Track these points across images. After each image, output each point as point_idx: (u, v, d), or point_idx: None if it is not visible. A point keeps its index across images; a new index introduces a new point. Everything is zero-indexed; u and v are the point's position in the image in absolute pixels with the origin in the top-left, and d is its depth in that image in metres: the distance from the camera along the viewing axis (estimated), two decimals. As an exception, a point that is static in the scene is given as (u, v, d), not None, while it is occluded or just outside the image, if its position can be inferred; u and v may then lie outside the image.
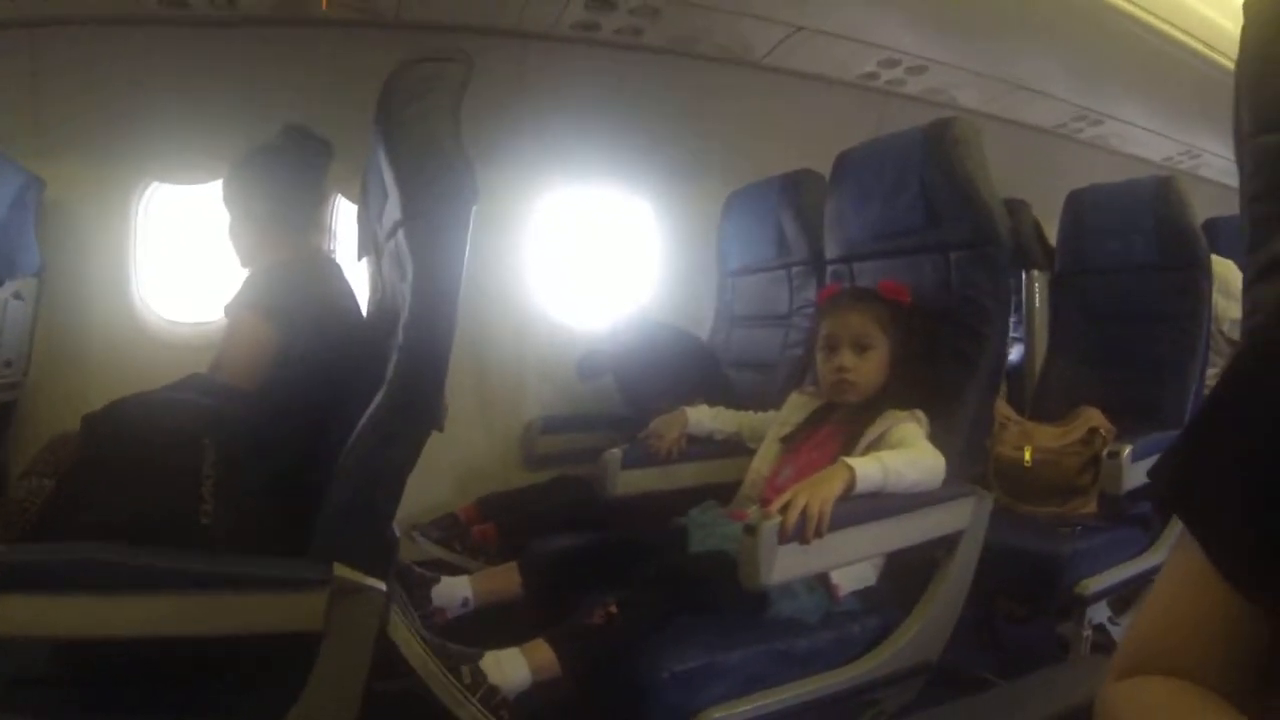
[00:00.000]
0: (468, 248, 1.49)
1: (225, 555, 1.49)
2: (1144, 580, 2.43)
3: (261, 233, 2.17)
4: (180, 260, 3.05)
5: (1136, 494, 2.39)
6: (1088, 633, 2.35)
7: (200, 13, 2.68)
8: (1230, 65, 0.94)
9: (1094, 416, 2.61)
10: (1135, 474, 2.35)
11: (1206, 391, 2.62)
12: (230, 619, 1.39)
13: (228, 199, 2.21)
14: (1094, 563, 2.38)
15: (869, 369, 2.02)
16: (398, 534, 1.73)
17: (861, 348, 2.02)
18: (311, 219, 2.23)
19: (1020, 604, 2.65)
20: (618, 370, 3.04)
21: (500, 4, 2.82)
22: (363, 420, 1.53)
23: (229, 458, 1.64)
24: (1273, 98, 0.89)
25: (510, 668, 1.67)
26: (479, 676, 1.64)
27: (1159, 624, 0.64)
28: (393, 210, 1.56)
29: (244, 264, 2.29)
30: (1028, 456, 2.60)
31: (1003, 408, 2.77)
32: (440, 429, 1.56)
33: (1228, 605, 0.57)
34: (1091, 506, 2.57)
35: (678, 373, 2.85)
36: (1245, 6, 0.91)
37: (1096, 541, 2.45)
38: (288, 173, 2.18)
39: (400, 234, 1.51)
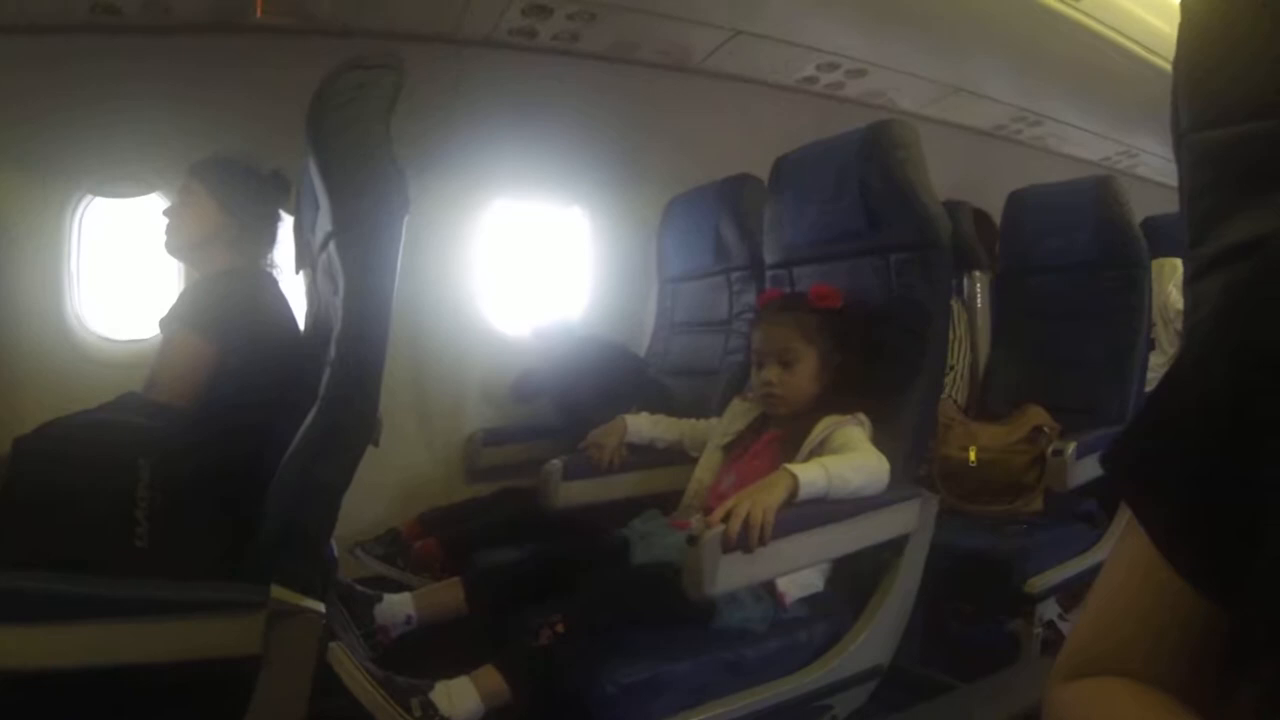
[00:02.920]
0: (400, 259, 1.47)
1: (160, 579, 1.45)
2: (1091, 576, 2.42)
3: (219, 231, 2.15)
4: (115, 275, 2.99)
5: (1082, 491, 2.42)
6: (1038, 630, 2.36)
7: (133, 20, 2.62)
8: (1166, 67, 0.94)
9: (1038, 414, 2.64)
10: (1080, 471, 2.37)
11: (1148, 388, 2.65)
12: (167, 645, 1.36)
13: (204, 177, 2.19)
14: (1042, 560, 2.40)
15: (796, 382, 2.01)
16: (336, 552, 1.70)
17: (786, 363, 2.02)
18: (264, 238, 2.22)
19: (970, 603, 2.67)
20: (551, 390, 3.03)
21: (437, 10, 2.79)
22: (297, 437, 1.50)
23: (164, 479, 1.61)
24: (1210, 94, 0.89)
25: (461, 698, 1.64)
26: (429, 710, 1.61)
27: (1104, 619, 0.63)
28: (324, 221, 1.54)
29: (177, 253, 2.25)
30: (973, 456, 2.62)
31: (948, 408, 2.79)
32: (376, 444, 1.54)
33: (1173, 595, 0.57)
34: (1038, 504, 2.59)
35: (608, 384, 2.84)
36: (1181, 5, 0.91)
37: (1043, 539, 2.47)
38: (266, 190, 2.21)
39: (332, 245, 1.49)
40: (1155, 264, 2.90)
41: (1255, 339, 0.56)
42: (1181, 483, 0.58)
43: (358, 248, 1.43)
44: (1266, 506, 0.51)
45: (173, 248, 2.23)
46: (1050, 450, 2.42)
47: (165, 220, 2.22)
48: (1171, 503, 0.59)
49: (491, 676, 1.67)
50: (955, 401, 2.91)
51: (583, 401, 2.85)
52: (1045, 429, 2.60)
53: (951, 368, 2.93)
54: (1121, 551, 0.62)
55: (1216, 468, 0.55)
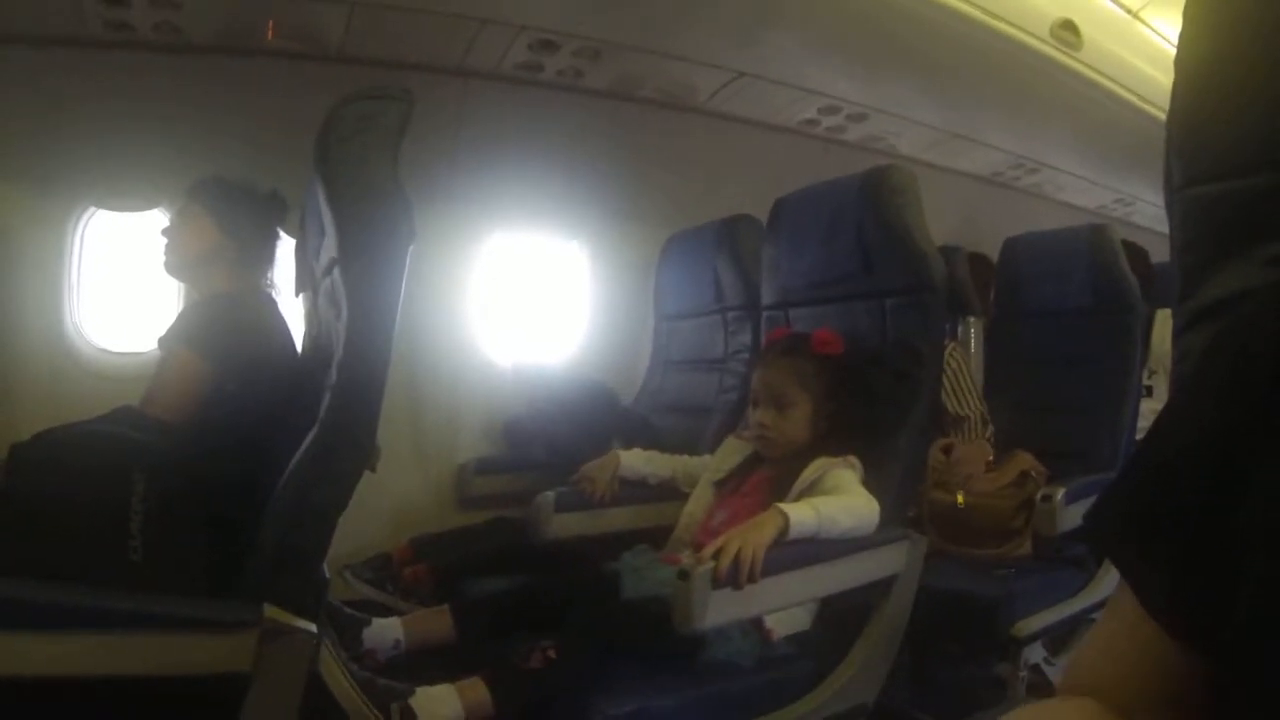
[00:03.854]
0: (404, 288, 1.48)
1: (153, 593, 1.46)
2: (1079, 621, 2.46)
3: (217, 251, 2.17)
4: (116, 289, 3.00)
5: (1071, 536, 2.43)
6: (1024, 673, 2.36)
7: (144, 37, 2.65)
8: (1161, 116, 0.96)
9: (1024, 460, 2.64)
10: (1069, 517, 2.37)
11: (1140, 434, 2.67)
12: (157, 659, 1.35)
13: (203, 198, 2.21)
14: (1029, 604, 2.40)
15: (789, 427, 2.03)
16: (328, 574, 1.70)
17: (782, 406, 2.03)
18: (263, 259, 2.23)
19: (957, 645, 2.67)
20: (536, 432, 3.05)
21: (445, 42, 2.83)
22: (294, 459, 1.51)
23: (159, 493, 1.61)
24: (1201, 151, 0.90)
25: (443, 704, 1.65)
26: (408, 715, 1.62)
27: (1093, 662, 0.64)
28: (329, 248, 1.55)
29: (176, 273, 2.27)
30: (960, 499, 2.62)
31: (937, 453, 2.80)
32: (373, 469, 1.54)
33: (1158, 647, 0.58)
34: (1027, 548, 2.60)
35: (586, 421, 2.86)
36: (1176, 62, 0.93)
37: (1032, 583, 2.47)
38: (266, 211, 2.22)
39: (336, 271, 1.50)
40: (1160, 314, 2.93)
41: (1231, 396, 0.57)
42: (1162, 541, 0.59)
43: (363, 276, 1.44)
44: (1244, 561, 0.53)
45: (172, 267, 2.24)
46: (1039, 496, 2.42)
47: (164, 240, 2.24)
48: (1153, 561, 0.60)
49: (477, 688, 1.68)
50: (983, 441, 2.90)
51: (564, 439, 2.86)
52: (1032, 473, 2.61)
53: (965, 417, 2.93)
54: (1117, 601, 0.63)
55: (1197, 525, 0.56)
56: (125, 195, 2.85)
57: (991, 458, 2.77)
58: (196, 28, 2.64)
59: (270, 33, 2.69)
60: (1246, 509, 0.54)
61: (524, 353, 3.34)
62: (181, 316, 2.14)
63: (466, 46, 2.85)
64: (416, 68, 2.94)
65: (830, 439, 2.00)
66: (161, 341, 2.05)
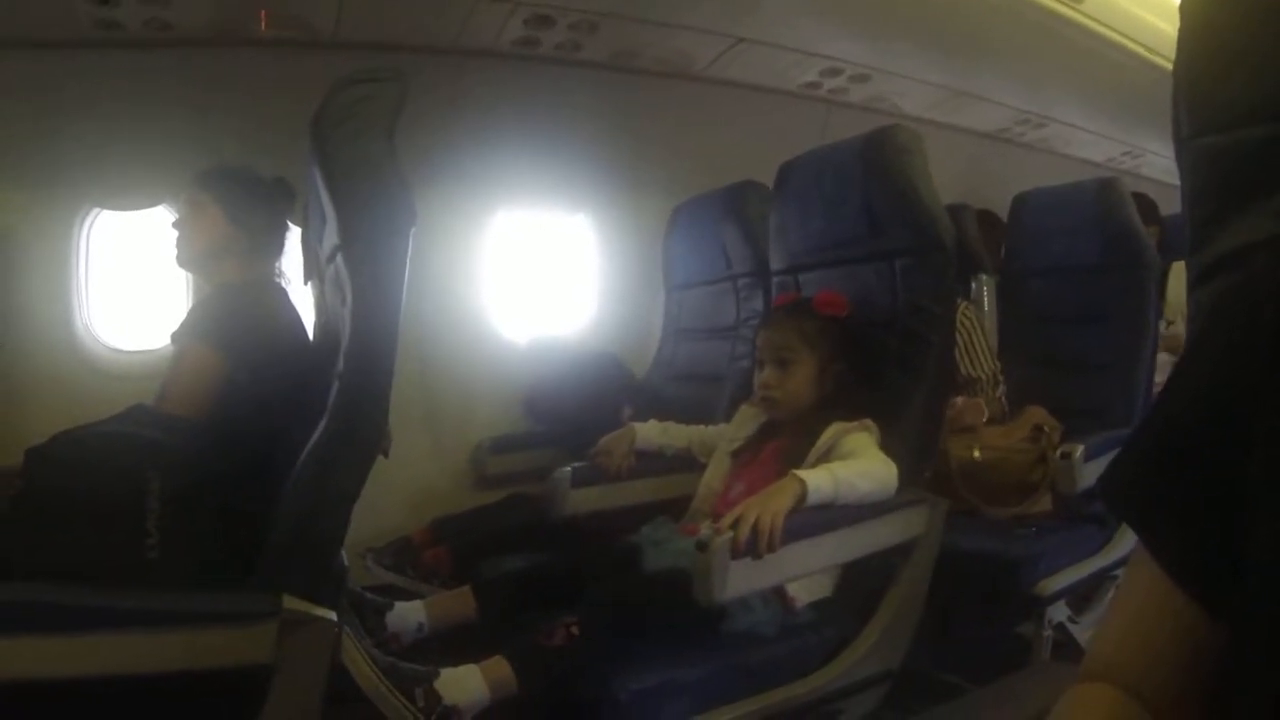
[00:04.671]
0: (407, 271, 1.47)
1: (172, 590, 1.46)
2: (1102, 578, 2.45)
3: (225, 242, 2.17)
4: (124, 287, 3.00)
5: (1091, 493, 2.41)
6: (1048, 633, 2.36)
7: (136, 34, 2.64)
8: (1168, 67, 0.94)
9: (1037, 414, 2.64)
10: (1088, 474, 2.36)
11: (1156, 389, 2.65)
12: (179, 655, 1.36)
13: (209, 188, 2.19)
14: (1051, 562, 2.39)
15: (792, 385, 2.02)
16: (346, 561, 1.70)
17: (782, 364, 2.02)
18: (272, 247, 2.22)
19: (980, 606, 2.67)
20: (550, 405, 3.06)
21: (439, 22, 2.81)
22: (306, 449, 1.51)
23: (174, 490, 1.61)
24: (1209, 100, 0.89)
25: (466, 685, 1.66)
26: (432, 699, 1.62)
27: (1117, 639, 0.64)
28: (331, 234, 1.55)
29: (187, 265, 2.27)
30: (976, 453, 2.61)
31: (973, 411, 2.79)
32: (385, 455, 1.54)
33: (1184, 616, 0.58)
34: (1047, 504, 2.60)
35: (597, 393, 2.89)
36: (1181, 10, 0.92)
37: (1053, 541, 2.46)
38: (271, 199, 2.21)
39: (339, 258, 1.49)
40: (1175, 266, 2.91)
41: (1237, 352, 0.57)
42: (1174, 499, 0.59)
43: (365, 261, 1.43)
44: (1253, 516, 0.52)
45: (183, 260, 2.24)
46: (1059, 454, 2.41)
47: (174, 233, 2.23)
48: (1165, 519, 0.60)
49: (500, 667, 1.69)
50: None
51: (576, 411, 2.89)
52: (1045, 427, 2.60)
53: (977, 378, 2.92)
54: (1135, 571, 0.63)
55: (1207, 481, 0.56)
56: (128, 193, 2.85)
57: (985, 417, 2.76)
58: (187, 22, 2.63)
59: (263, 23, 2.68)
60: (1253, 463, 0.53)
61: (537, 328, 3.34)
62: (193, 310, 2.14)
63: (461, 25, 2.83)
64: (412, 49, 2.93)
65: (842, 402, 1.99)
66: (174, 337, 2.05)
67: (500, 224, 3.37)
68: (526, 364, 3.24)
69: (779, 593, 1.82)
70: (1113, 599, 0.66)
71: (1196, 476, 0.57)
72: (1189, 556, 0.58)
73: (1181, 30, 0.91)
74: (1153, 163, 4.58)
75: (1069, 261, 2.88)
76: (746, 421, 2.18)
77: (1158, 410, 0.64)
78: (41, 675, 1.30)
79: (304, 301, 2.20)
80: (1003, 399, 2.90)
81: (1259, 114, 0.84)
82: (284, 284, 2.24)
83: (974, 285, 3.47)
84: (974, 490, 2.62)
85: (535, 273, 3.64)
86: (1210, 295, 0.87)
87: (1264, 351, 0.55)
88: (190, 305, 2.37)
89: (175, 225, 2.24)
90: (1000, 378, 2.95)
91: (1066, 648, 2.36)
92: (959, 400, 2.72)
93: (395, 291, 1.46)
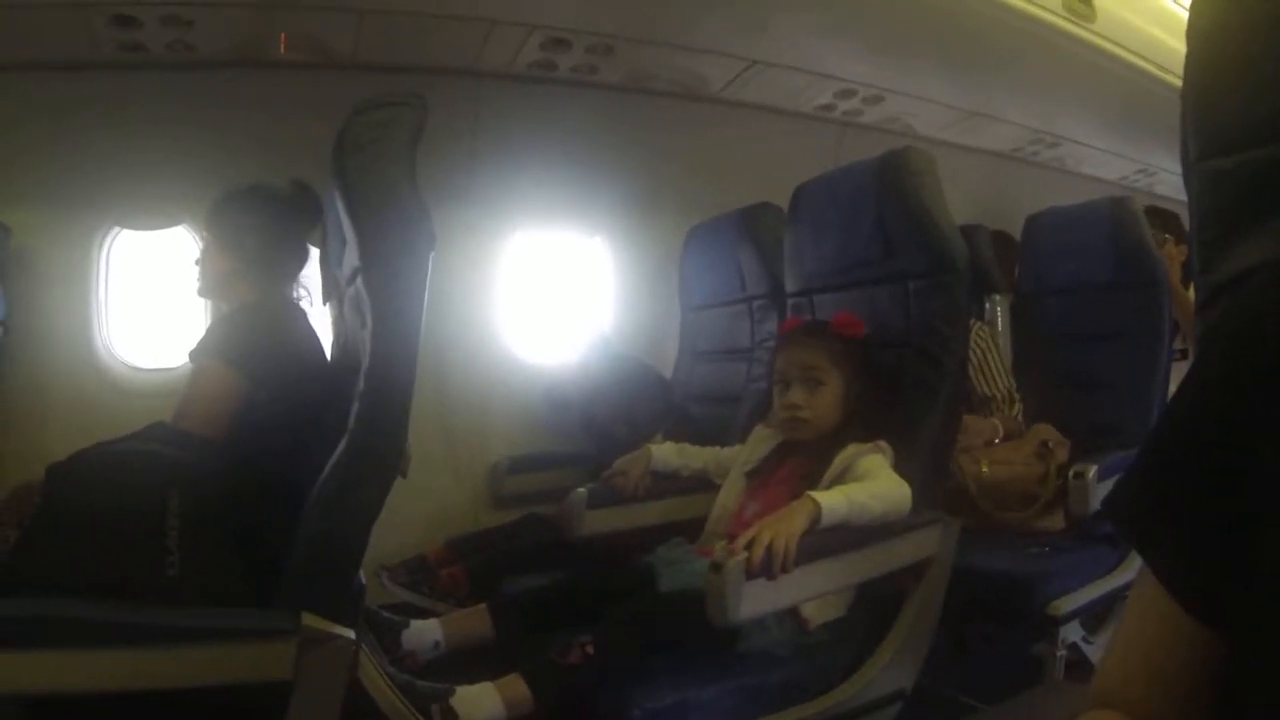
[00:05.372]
0: (427, 294, 1.49)
1: (191, 607, 1.48)
2: (1116, 598, 2.44)
3: (238, 267, 2.17)
4: (143, 306, 3.03)
5: (1104, 509, 2.40)
6: (1062, 652, 2.34)
7: (158, 56, 2.67)
8: (1179, 84, 0.95)
9: (1045, 430, 2.66)
10: (1102, 493, 2.36)
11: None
12: (198, 671, 1.37)
13: (212, 225, 2.21)
14: (1065, 582, 2.38)
15: (821, 405, 2.02)
16: (364, 580, 1.72)
17: (813, 383, 2.02)
18: (289, 266, 2.23)
19: (994, 626, 2.66)
20: (582, 399, 3.05)
21: (456, 45, 2.83)
22: (326, 468, 1.52)
23: (194, 508, 1.63)
24: (1217, 123, 0.90)
25: (482, 703, 1.66)
26: (449, 716, 1.63)
27: (1124, 661, 0.65)
28: (351, 257, 1.56)
29: (206, 294, 2.29)
30: (985, 468, 2.62)
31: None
32: (404, 475, 1.55)
33: (1189, 636, 0.59)
34: (1059, 522, 2.61)
35: (637, 402, 2.86)
36: (1188, 34, 0.92)
37: (1067, 561, 2.45)
38: (281, 215, 2.19)
39: (359, 280, 1.51)
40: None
41: (1238, 372, 0.58)
42: (1178, 520, 0.60)
43: (385, 285, 1.45)
44: (1257, 536, 0.53)
45: (203, 291, 2.27)
46: (1071, 474, 2.41)
47: (195, 268, 2.27)
48: (1169, 541, 0.60)
49: (517, 685, 1.69)
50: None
51: (609, 416, 2.87)
52: (1051, 443, 2.61)
53: (992, 397, 2.93)
54: (1140, 592, 0.64)
55: (1210, 502, 0.57)
56: (148, 213, 2.89)
57: (999, 436, 2.77)
58: (209, 44, 2.66)
59: (282, 45, 2.71)
60: (1255, 482, 0.54)
61: (581, 333, 3.36)
62: (211, 329, 2.15)
63: (478, 48, 2.85)
64: (429, 71, 2.95)
65: (859, 424, 1.99)
66: (192, 355, 2.06)
67: (517, 245, 3.38)
68: (565, 368, 3.25)
69: (793, 613, 1.82)
70: (1120, 621, 0.67)
71: (1199, 495, 0.58)
72: (1192, 576, 0.58)
73: (1189, 54, 0.92)
74: (1166, 180, 4.57)
75: (1083, 280, 2.88)
76: (762, 443, 2.19)
77: (1161, 429, 0.64)
78: (61, 690, 1.32)
79: (322, 321, 2.22)
80: (1019, 417, 2.90)
81: (1263, 136, 0.85)
82: (304, 302, 2.26)
83: (988, 305, 3.47)
84: (981, 502, 2.63)
85: (552, 294, 3.66)
86: (1216, 315, 0.88)
87: (1266, 368, 0.56)
88: (209, 323, 2.38)
89: (195, 262, 2.27)
90: (1016, 396, 2.95)
91: (1080, 667, 2.35)
92: (968, 419, 2.73)
93: (415, 314, 1.47)
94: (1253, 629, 0.54)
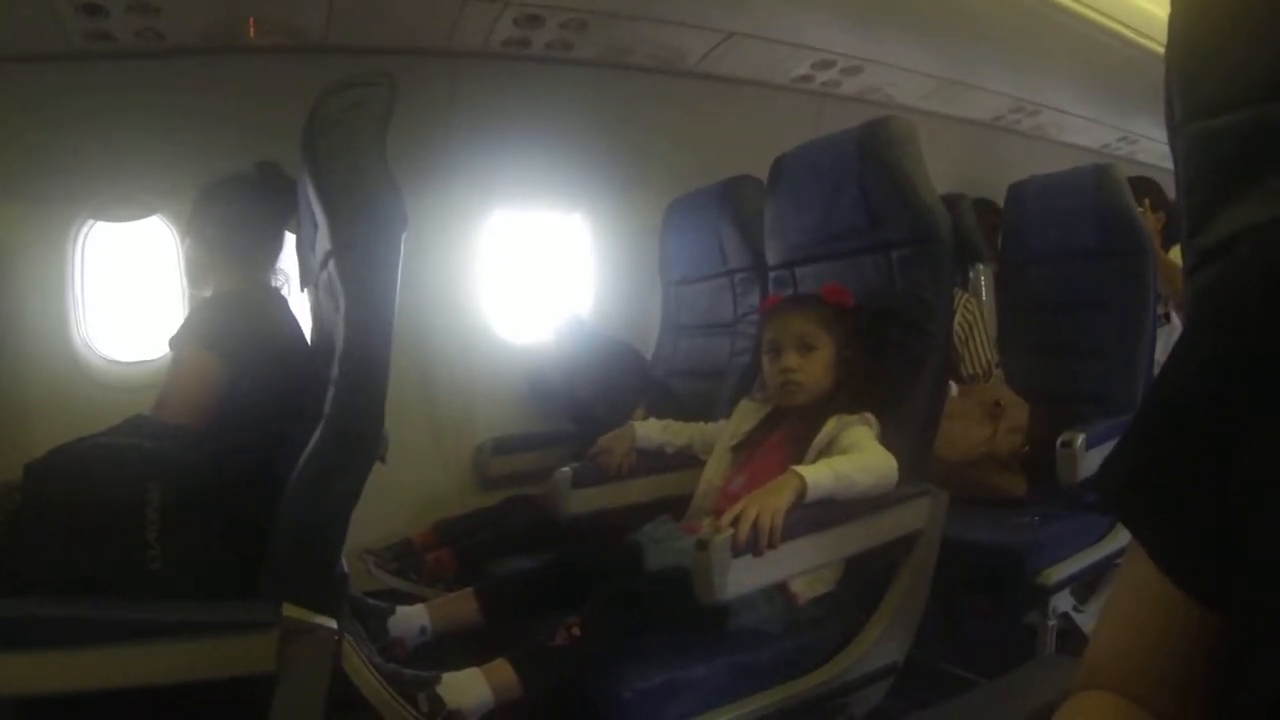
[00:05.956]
0: (400, 275, 1.47)
1: (173, 601, 1.47)
2: (1106, 567, 2.44)
3: (217, 259, 2.16)
4: (120, 299, 3.00)
5: (1094, 481, 2.40)
6: (1053, 622, 2.34)
7: (126, 45, 2.64)
8: (1160, 50, 0.94)
9: (997, 389, 2.70)
10: (1090, 462, 2.36)
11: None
12: (181, 665, 1.37)
13: (191, 220, 2.20)
14: (1055, 551, 2.39)
15: (815, 369, 2.01)
16: (347, 568, 1.70)
17: (806, 348, 2.01)
18: (267, 253, 2.21)
19: (985, 597, 2.67)
20: (561, 380, 3.05)
21: (429, 24, 2.81)
22: (303, 456, 1.51)
23: (174, 501, 1.62)
24: (1201, 85, 0.89)
25: (470, 689, 1.65)
26: (436, 704, 1.62)
27: (1114, 638, 0.64)
28: (324, 240, 1.54)
29: (193, 286, 2.27)
30: None
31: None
32: (382, 460, 1.54)
33: (1180, 613, 0.58)
34: (1020, 489, 2.67)
35: (613, 380, 2.88)
36: (1172, -5, 0.92)
37: (1056, 530, 2.46)
38: (254, 204, 2.17)
39: (331, 264, 1.49)
40: (1176, 249, 2.91)
41: (1225, 341, 0.57)
42: (1166, 493, 0.59)
43: (357, 267, 1.43)
44: (1247, 508, 0.52)
45: (184, 286, 2.26)
46: (1059, 442, 2.40)
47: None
48: (1159, 514, 0.59)
49: (504, 670, 1.68)
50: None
51: (588, 395, 2.89)
52: (1001, 402, 2.65)
53: (975, 375, 2.92)
54: (1126, 563, 0.63)
55: (1199, 475, 0.56)
56: (122, 204, 2.86)
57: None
58: (177, 31, 2.64)
59: (251, 30, 2.68)
60: (1245, 455, 0.53)
61: (556, 314, 3.34)
62: (191, 316, 2.14)
63: (451, 26, 2.83)
64: (403, 51, 2.93)
65: (846, 395, 1.99)
66: (172, 342, 2.05)
67: (496, 224, 3.36)
68: (537, 358, 3.25)
69: (781, 589, 1.81)
70: (1109, 597, 0.66)
71: (1188, 469, 0.57)
72: (1183, 553, 0.58)
73: (1172, 15, 0.91)
74: (1148, 148, 4.57)
75: (1067, 248, 2.87)
76: (746, 416, 2.18)
77: (1149, 402, 0.64)
78: (43, 690, 1.31)
79: (302, 307, 2.20)
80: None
81: (1249, 96, 0.84)
82: (283, 288, 2.24)
83: (972, 275, 3.47)
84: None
85: (532, 272, 3.64)
86: (1207, 279, 0.87)
87: (1252, 338, 0.55)
88: (188, 311, 2.36)
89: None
90: (995, 371, 2.95)
91: (1071, 636, 2.35)
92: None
93: (388, 296, 1.45)
94: (1244, 605, 0.53)
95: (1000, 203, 3.24)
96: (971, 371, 2.91)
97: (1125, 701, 0.60)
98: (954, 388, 2.77)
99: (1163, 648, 0.59)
